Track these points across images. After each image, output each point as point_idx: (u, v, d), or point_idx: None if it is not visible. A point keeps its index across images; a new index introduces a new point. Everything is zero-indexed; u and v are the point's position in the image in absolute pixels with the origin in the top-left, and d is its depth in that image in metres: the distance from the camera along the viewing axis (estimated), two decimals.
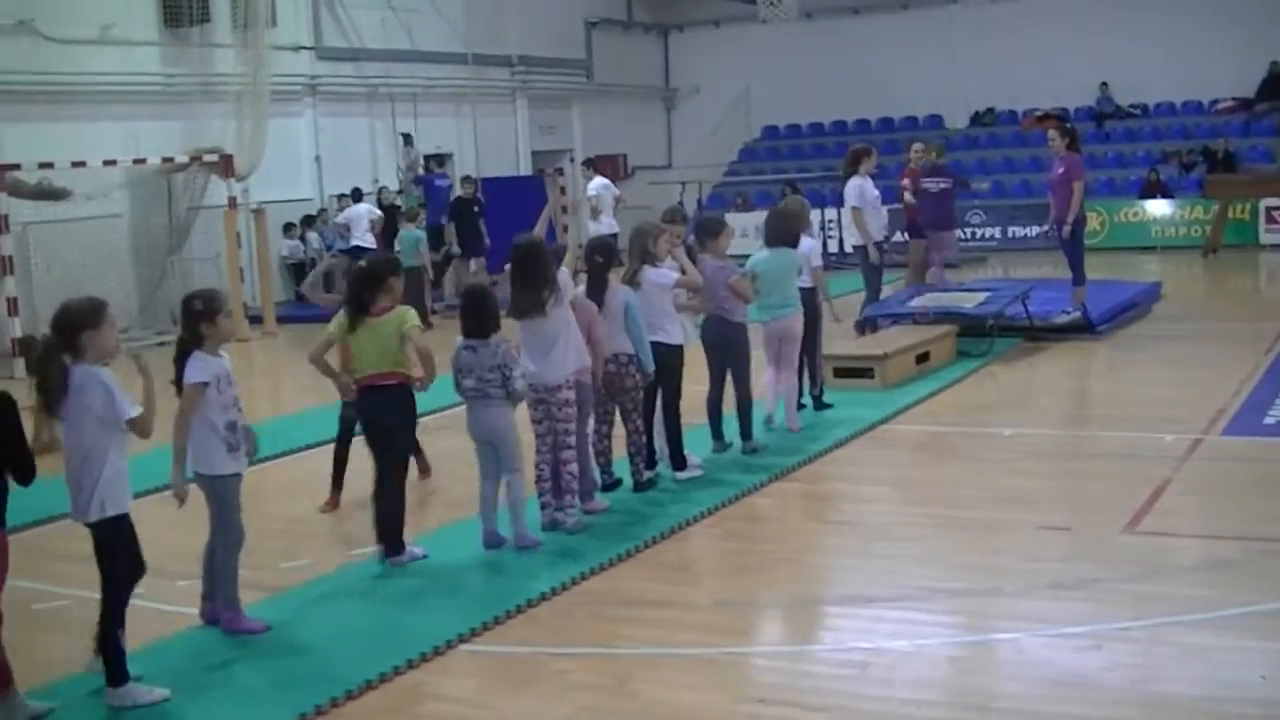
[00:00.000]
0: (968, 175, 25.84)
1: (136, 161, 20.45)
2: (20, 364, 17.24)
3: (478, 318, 8.57)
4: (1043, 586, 7.53)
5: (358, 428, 9.06)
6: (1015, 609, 7.25)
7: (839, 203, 20.13)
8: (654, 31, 36.42)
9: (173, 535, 7.84)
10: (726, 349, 10.70)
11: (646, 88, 36.05)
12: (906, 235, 18.36)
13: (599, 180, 24.51)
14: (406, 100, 27.30)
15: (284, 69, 24.22)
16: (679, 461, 10.09)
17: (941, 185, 17.18)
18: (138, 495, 6.67)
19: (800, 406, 11.86)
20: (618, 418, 9.70)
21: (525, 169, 30.79)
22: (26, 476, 6.22)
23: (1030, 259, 25.21)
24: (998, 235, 28.60)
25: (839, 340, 14.08)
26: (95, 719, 6.36)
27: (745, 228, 23.36)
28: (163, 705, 6.40)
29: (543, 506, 8.96)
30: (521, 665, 6.88)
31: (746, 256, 11.44)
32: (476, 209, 23.08)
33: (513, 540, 8.58)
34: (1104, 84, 31.36)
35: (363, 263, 8.91)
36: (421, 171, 25.68)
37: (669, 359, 9.83)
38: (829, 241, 25.22)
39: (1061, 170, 15.84)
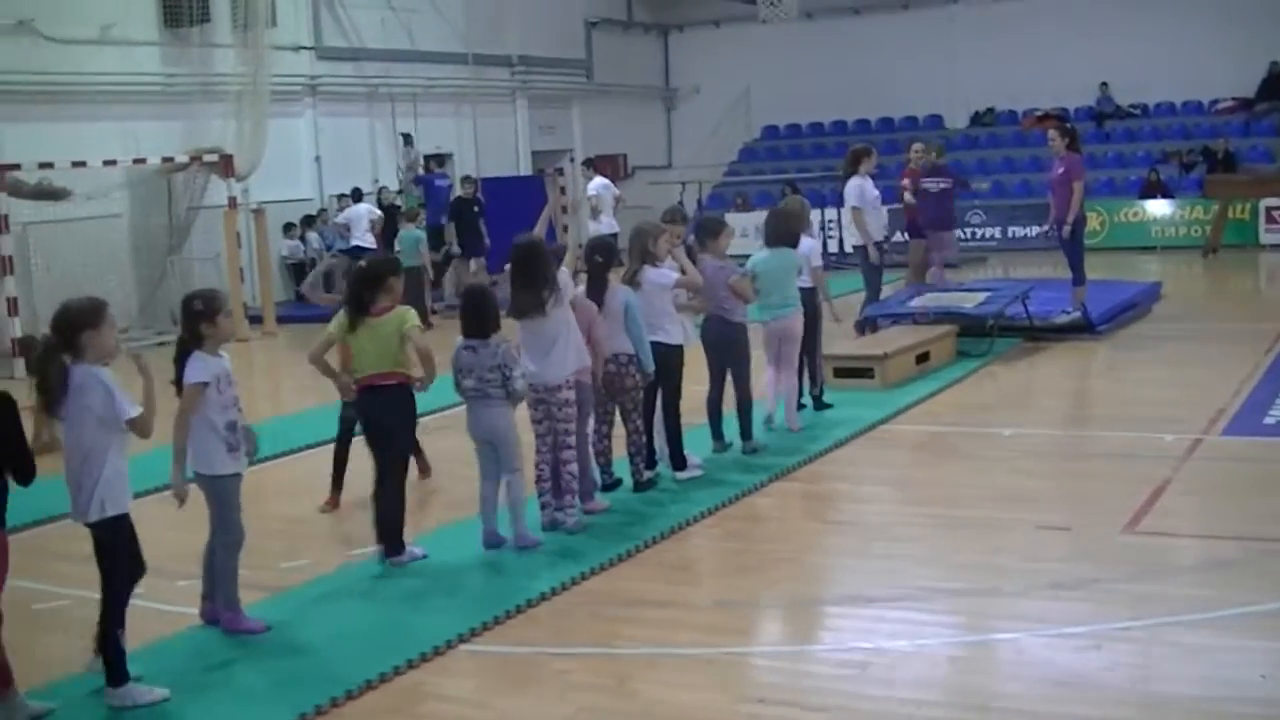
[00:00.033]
0: (968, 175, 25.84)
1: (136, 161, 20.45)
2: (20, 364, 17.24)
3: (478, 318, 8.57)
4: (1043, 586, 7.53)
5: (358, 428, 9.07)
6: (1015, 609, 7.25)
7: (839, 203, 20.13)
8: (654, 31, 36.42)
9: (173, 535, 7.84)
10: (726, 349, 10.70)
11: (646, 88, 36.05)
12: (906, 235, 18.36)
13: (599, 180, 24.51)
14: (406, 100, 27.30)
15: (284, 69, 24.23)
16: (679, 461, 10.09)
17: (941, 185, 17.18)
18: (138, 495, 6.67)
19: (800, 406, 11.86)
20: (618, 418, 9.70)
21: (525, 169, 30.79)
22: (26, 476, 6.23)
23: (1030, 259, 25.21)
24: (998, 235, 28.60)
25: (839, 340, 14.08)
26: (95, 719, 6.36)
27: (745, 228, 23.36)
28: (162, 705, 6.40)
29: (543, 506, 8.96)
30: (521, 665, 6.88)
31: (746, 256, 11.44)
32: (476, 209, 23.08)
33: (513, 540, 8.58)
34: (1104, 84, 31.37)
35: (363, 263, 8.92)
36: (422, 171, 25.69)
37: (669, 359, 9.83)
38: (829, 241, 25.22)
39: (1061, 170, 15.84)
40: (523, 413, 8.83)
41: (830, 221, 25.79)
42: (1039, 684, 6.21)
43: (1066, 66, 30.80)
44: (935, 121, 33.28)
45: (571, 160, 31.63)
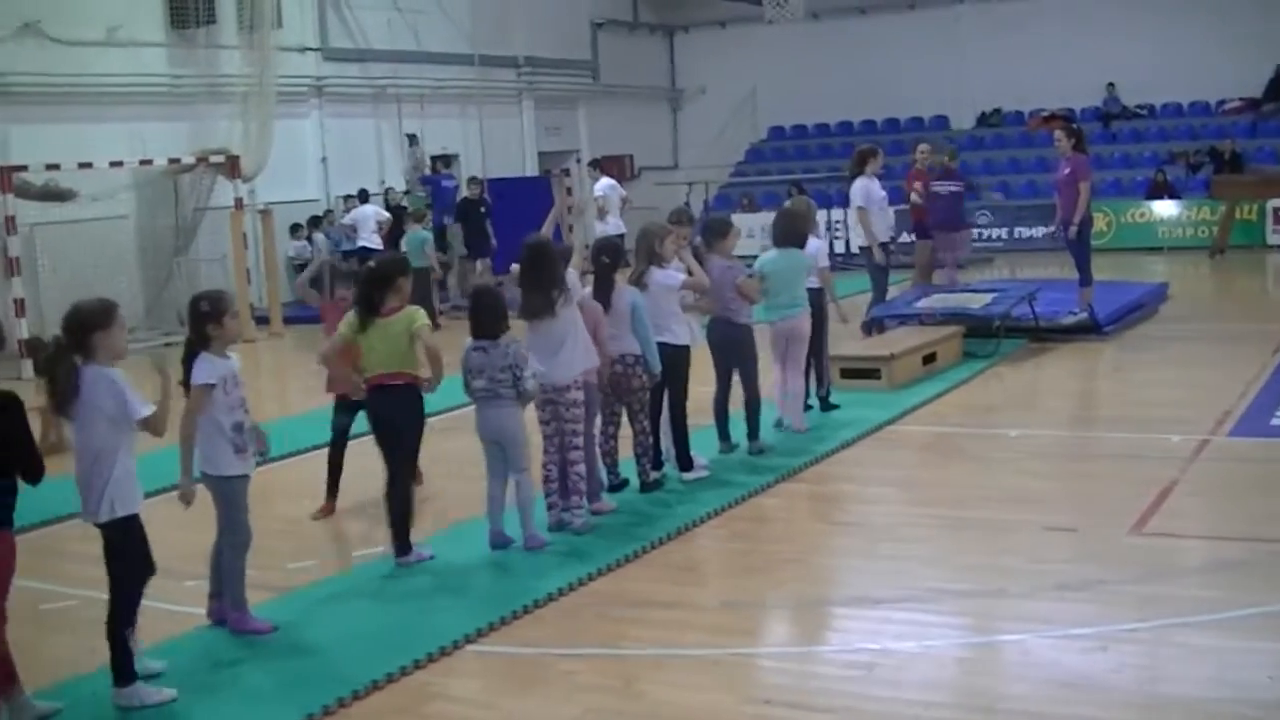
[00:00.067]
0: (975, 176, 25.80)
1: (143, 163, 20.48)
2: (27, 365, 17.26)
3: (488, 318, 8.57)
4: (1049, 588, 7.52)
5: (360, 430, 9.08)
6: (1021, 610, 7.25)
7: (845, 203, 20.08)
8: (660, 32, 36.42)
9: (180, 535, 7.85)
10: (732, 350, 10.70)
11: (652, 88, 36.06)
12: (914, 236, 18.35)
13: (605, 181, 24.51)
14: (413, 101, 27.30)
15: (290, 70, 24.27)
16: (685, 462, 10.09)
17: (951, 188, 17.15)
18: (146, 496, 6.67)
19: (807, 407, 11.86)
20: (624, 419, 9.71)
21: (532, 170, 30.78)
22: (35, 476, 6.24)
23: (1037, 260, 25.17)
24: (1004, 236, 28.56)
25: (846, 341, 14.06)
26: (102, 719, 6.37)
27: (751, 228, 23.35)
28: (169, 705, 6.42)
29: (550, 507, 8.97)
30: (528, 666, 6.89)
31: (753, 257, 11.44)
32: (483, 210, 23.10)
33: (521, 540, 8.58)
34: (1111, 84, 31.35)
35: (372, 263, 8.95)
36: (428, 171, 25.69)
37: (675, 360, 9.84)
38: (835, 242, 25.20)
39: (1068, 171, 15.83)
40: (529, 414, 8.83)
41: (837, 222, 25.78)
42: (1045, 685, 6.20)
43: (1073, 67, 30.76)
44: (941, 122, 33.25)
45: (578, 161, 31.65)
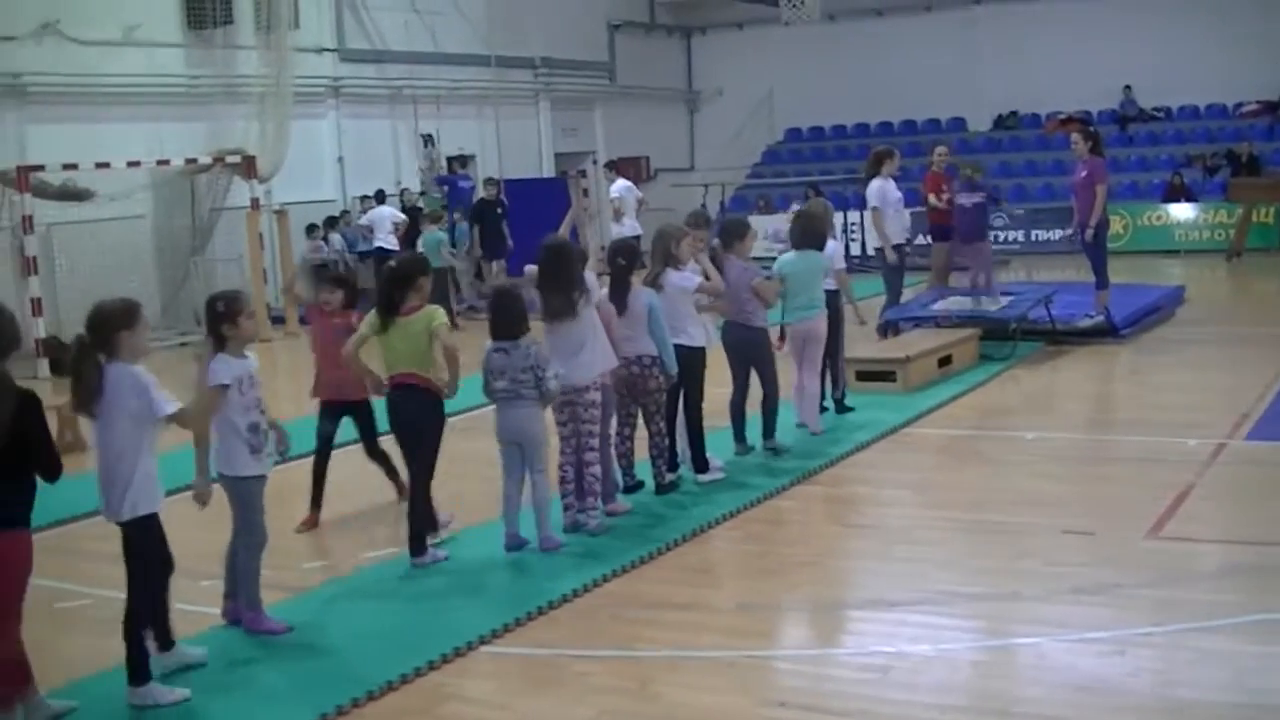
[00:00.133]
0: (993, 179, 25.73)
1: (160, 163, 20.55)
2: (44, 364, 17.33)
3: (508, 320, 8.57)
4: (1065, 591, 7.50)
5: (345, 438, 9.11)
6: (1037, 613, 7.23)
7: (862, 205, 20.08)
8: (677, 34, 36.43)
9: (196, 535, 7.85)
10: (748, 351, 10.70)
11: (669, 90, 36.05)
12: (929, 238, 18.30)
13: (622, 182, 24.52)
14: (429, 102, 27.33)
15: (307, 70, 24.31)
16: (701, 464, 10.09)
17: (976, 200, 17.07)
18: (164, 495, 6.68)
19: (822, 409, 11.84)
20: (640, 420, 9.70)
21: (548, 171, 30.82)
22: (53, 474, 6.24)
23: (1053, 262, 25.16)
24: (1021, 239, 28.52)
25: (861, 343, 14.04)
26: (116, 718, 6.38)
27: (767, 230, 23.34)
28: (184, 705, 6.43)
29: (565, 508, 8.97)
30: (542, 667, 6.89)
31: (770, 259, 11.42)
32: (500, 211, 23.12)
33: (536, 542, 8.58)
34: (1127, 87, 31.30)
35: (392, 262, 8.98)
36: (444, 172, 25.71)
37: (691, 361, 9.83)
38: (851, 244, 25.17)
39: (1084, 174, 15.79)
40: (546, 415, 8.83)
41: (853, 224, 25.77)
42: (1060, 689, 6.19)
43: (1089, 69, 30.72)
44: (958, 124, 33.23)
45: (594, 162, 31.67)
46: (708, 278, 10.11)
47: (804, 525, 9.42)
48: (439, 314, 8.39)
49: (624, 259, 9.58)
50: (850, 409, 12.32)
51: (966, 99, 32.91)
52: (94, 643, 7.12)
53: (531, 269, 9.04)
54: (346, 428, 9.80)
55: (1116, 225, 23.94)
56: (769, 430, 10.86)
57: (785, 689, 6.51)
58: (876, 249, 16.49)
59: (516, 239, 22.11)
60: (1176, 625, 6.83)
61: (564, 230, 9.76)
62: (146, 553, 6.49)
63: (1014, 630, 7.03)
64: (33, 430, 6.13)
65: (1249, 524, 8.75)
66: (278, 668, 6.93)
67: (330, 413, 9.68)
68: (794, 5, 28.67)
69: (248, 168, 21.52)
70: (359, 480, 10.04)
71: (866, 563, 8.60)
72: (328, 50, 25.83)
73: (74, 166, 18.97)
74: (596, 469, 8.92)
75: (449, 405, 8.58)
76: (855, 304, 12.25)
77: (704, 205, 26.07)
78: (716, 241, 10.77)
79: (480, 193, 23.97)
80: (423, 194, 25.53)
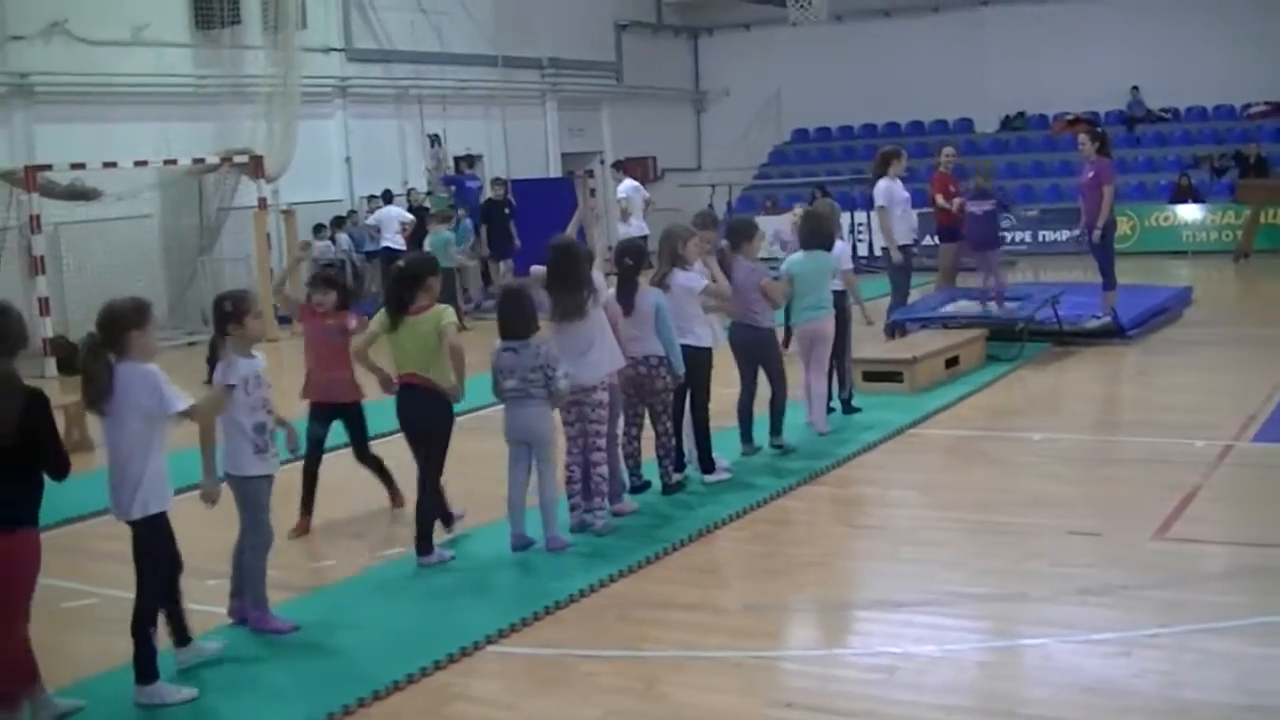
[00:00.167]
0: (999, 180, 25.72)
1: (167, 162, 20.55)
2: (51, 363, 17.34)
3: (518, 319, 8.57)
4: (1071, 592, 7.50)
5: (336, 441, 9.12)
6: (1043, 614, 7.23)
7: (869, 206, 20.09)
8: (684, 34, 36.42)
9: (203, 533, 7.85)
10: (756, 352, 10.70)
11: (676, 90, 36.03)
12: (936, 239, 18.28)
13: (629, 183, 24.52)
14: (436, 102, 27.32)
15: (314, 70, 24.28)
16: (708, 464, 10.09)
17: (986, 208, 17.03)
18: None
19: (829, 410, 11.84)
20: (647, 420, 9.70)
21: (555, 171, 30.80)
22: (61, 473, 6.24)
23: (1061, 263, 25.14)
24: (1028, 239, 28.51)
25: (868, 344, 14.05)
26: (123, 717, 6.39)
27: (767, 231, 23.30)
28: (191, 704, 6.44)
29: (572, 508, 8.97)
30: (549, 667, 6.89)
31: (769, 260, 11.43)
32: (507, 211, 23.12)
33: (543, 542, 8.59)
34: (1135, 88, 31.26)
35: (401, 262, 9.00)
36: (451, 172, 25.72)
37: (697, 361, 9.82)
38: (858, 245, 25.18)
39: (1092, 174, 15.78)
40: (554, 415, 8.83)
41: (860, 224, 25.75)
42: (1067, 690, 6.19)
43: (1097, 70, 30.67)
44: (965, 125, 33.18)
45: (601, 162, 31.63)
46: (715, 280, 10.11)
47: (810, 526, 9.43)
48: (448, 313, 8.42)
49: (631, 259, 9.56)
50: (857, 409, 12.32)
51: (973, 100, 32.86)
52: (101, 642, 7.12)
53: (539, 269, 9.04)
54: (341, 431, 9.76)
55: (1124, 226, 23.94)
56: (776, 428, 10.86)
57: (791, 689, 6.51)
58: (883, 249, 16.48)
59: (523, 239, 22.12)
60: (1183, 627, 6.83)
61: (571, 230, 9.76)
62: (156, 551, 6.50)
63: (1020, 631, 7.03)
64: (40, 429, 6.14)
65: (1256, 526, 8.74)
66: (284, 667, 6.93)
67: (320, 415, 9.59)
68: (801, 6, 28.65)
69: (255, 167, 21.52)
70: (367, 481, 10.01)
71: (873, 563, 8.60)
72: (335, 50, 25.84)
73: (82, 166, 18.98)
74: (603, 469, 8.92)
75: (457, 405, 8.59)
76: (862, 304, 12.25)
77: (711, 205, 26.02)
78: (725, 242, 10.77)
79: (488, 193, 23.98)
80: (430, 194, 25.52)
